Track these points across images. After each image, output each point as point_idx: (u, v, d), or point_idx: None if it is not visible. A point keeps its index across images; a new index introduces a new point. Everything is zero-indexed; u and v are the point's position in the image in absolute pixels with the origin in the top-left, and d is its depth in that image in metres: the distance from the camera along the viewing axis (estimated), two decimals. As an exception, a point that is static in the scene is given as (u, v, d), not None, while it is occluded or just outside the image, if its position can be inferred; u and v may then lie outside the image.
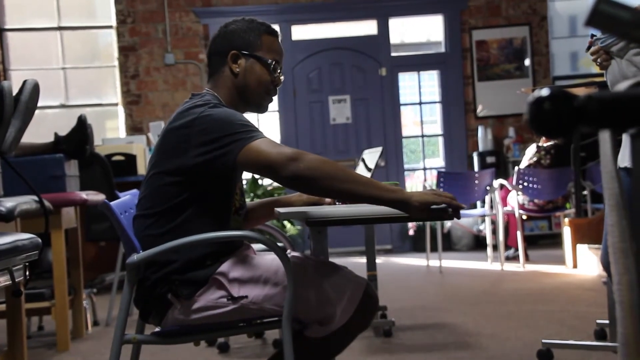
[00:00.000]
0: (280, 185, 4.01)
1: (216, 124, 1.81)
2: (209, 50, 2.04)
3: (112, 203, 1.93)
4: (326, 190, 1.77)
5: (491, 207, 5.97)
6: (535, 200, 5.94)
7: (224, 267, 1.88)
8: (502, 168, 7.31)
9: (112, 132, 7.62)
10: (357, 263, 5.78)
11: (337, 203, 2.22)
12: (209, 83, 2.04)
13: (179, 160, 1.85)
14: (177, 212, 1.87)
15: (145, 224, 1.91)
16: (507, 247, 6.21)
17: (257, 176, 7.30)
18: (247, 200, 6.94)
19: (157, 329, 1.95)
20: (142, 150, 5.79)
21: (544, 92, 0.82)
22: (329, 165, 1.75)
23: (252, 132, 1.80)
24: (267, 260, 1.93)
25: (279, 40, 2.05)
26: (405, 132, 7.96)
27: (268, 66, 1.99)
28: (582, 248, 5.47)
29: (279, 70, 2.02)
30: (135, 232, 1.94)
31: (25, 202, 2.44)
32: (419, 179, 8.07)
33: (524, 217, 6.22)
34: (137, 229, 1.94)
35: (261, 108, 2.05)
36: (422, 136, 8.06)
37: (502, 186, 6.02)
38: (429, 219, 1.78)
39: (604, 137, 0.89)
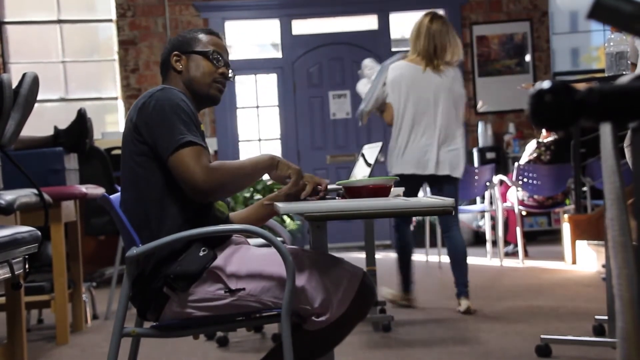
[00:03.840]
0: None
1: (157, 112, 1.86)
2: (160, 64, 2.13)
3: (111, 197, 1.94)
4: (232, 193, 2.05)
5: (491, 203, 5.97)
6: (535, 196, 5.94)
7: (219, 260, 1.89)
8: (502, 164, 7.31)
9: (111, 126, 7.61)
10: (356, 258, 5.78)
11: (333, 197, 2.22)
12: None
13: (137, 146, 1.90)
14: (154, 196, 1.89)
15: (128, 217, 1.92)
16: (506, 243, 6.21)
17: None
18: (246, 194, 6.87)
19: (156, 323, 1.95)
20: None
21: (545, 84, 0.81)
22: (228, 174, 1.86)
23: (187, 135, 1.83)
24: (264, 252, 1.94)
25: (221, 39, 2.12)
26: (405, 127, 7.94)
27: (208, 56, 2.05)
28: (581, 244, 5.47)
29: (222, 62, 2.07)
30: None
31: (24, 195, 2.44)
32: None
33: (524, 213, 6.22)
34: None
35: (213, 99, 2.08)
36: (422, 131, 8.05)
37: (501, 182, 6.02)
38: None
39: (605, 130, 0.89)
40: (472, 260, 6.20)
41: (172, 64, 2.06)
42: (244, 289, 1.86)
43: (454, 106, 3.91)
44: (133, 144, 1.90)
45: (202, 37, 2.08)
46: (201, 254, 1.87)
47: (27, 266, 2.31)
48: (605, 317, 3.01)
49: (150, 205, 1.89)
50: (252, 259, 1.91)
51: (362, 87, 4.05)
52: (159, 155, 1.87)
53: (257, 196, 6.29)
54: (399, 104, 3.85)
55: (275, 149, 7.77)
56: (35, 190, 2.46)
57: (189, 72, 2.05)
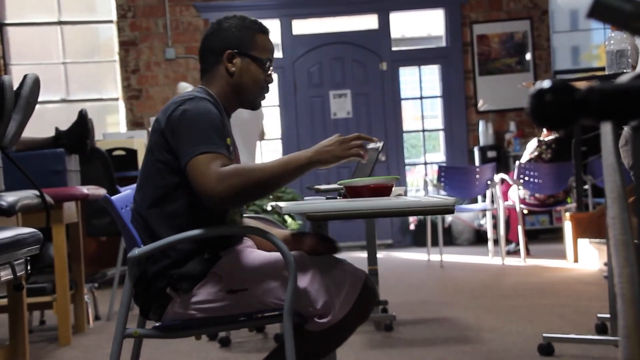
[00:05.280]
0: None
1: (183, 121, 1.84)
2: (202, 47, 2.06)
3: (112, 197, 1.94)
4: (256, 197, 1.86)
5: (492, 201, 5.96)
6: (536, 195, 5.94)
7: (223, 261, 1.89)
8: (503, 162, 7.31)
9: (112, 126, 7.62)
10: (358, 258, 5.79)
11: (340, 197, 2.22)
12: (202, 80, 2.06)
13: (161, 152, 1.89)
14: (170, 200, 1.89)
15: (140, 214, 1.92)
16: (508, 242, 6.21)
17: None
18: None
19: (158, 323, 1.95)
20: (142, 145, 5.79)
21: (546, 84, 0.81)
22: (246, 176, 1.76)
23: (206, 144, 1.80)
24: (266, 253, 1.94)
25: (270, 38, 2.08)
26: (406, 126, 7.96)
27: (263, 65, 2.02)
28: (583, 242, 5.47)
29: (271, 68, 2.06)
30: (132, 224, 1.95)
31: (26, 196, 2.44)
32: (420, 174, 8.07)
33: (525, 211, 6.21)
34: (133, 220, 1.95)
35: (255, 105, 2.08)
36: (423, 131, 8.05)
37: (503, 180, 6.02)
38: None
39: (606, 129, 0.89)
40: (474, 259, 6.21)
41: (224, 62, 2.00)
42: (246, 290, 1.86)
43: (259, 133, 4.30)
44: (158, 150, 1.89)
45: (259, 38, 2.02)
46: (205, 256, 1.88)
47: (29, 268, 2.32)
48: (608, 316, 3.01)
49: (160, 215, 1.89)
50: (254, 260, 1.91)
51: None
52: (179, 165, 1.85)
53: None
54: None
55: (275, 149, 7.78)
56: (36, 192, 2.46)
57: (241, 77, 2.00)
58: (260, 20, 2.07)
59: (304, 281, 1.84)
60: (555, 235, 7.14)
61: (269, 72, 2.04)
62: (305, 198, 2.43)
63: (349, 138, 1.86)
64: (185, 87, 4.57)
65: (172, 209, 1.88)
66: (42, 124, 5.16)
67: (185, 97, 1.91)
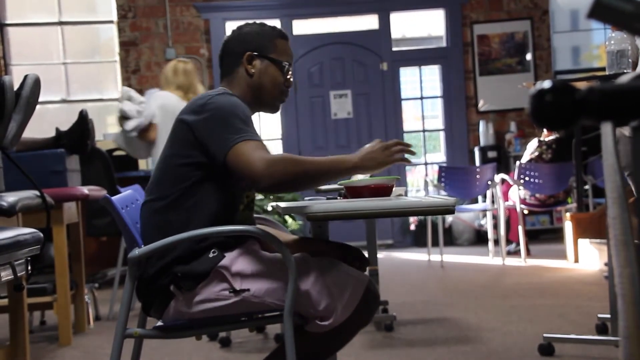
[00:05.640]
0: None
1: (216, 113, 1.86)
2: (222, 51, 2.10)
3: (113, 198, 1.94)
4: (301, 187, 1.90)
5: (492, 201, 5.96)
6: (537, 195, 5.94)
7: (226, 260, 1.89)
8: (503, 163, 7.31)
9: (113, 127, 7.62)
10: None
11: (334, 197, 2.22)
12: (222, 82, 2.09)
13: (185, 147, 1.90)
14: (187, 196, 1.90)
15: (153, 207, 1.93)
16: (508, 242, 6.21)
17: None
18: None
19: (158, 323, 1.95)
20: (143, 145, 5.79)
21: (546, 84, 0.81)
22: (294, 164, 1.80)
23: (246, 133, 1.83)
24: (269, 255, 1.94)
25: (289, 43, 2.12)
26: (406, 126, 7.95)
27: (282, 68, 2.05)
28: (583, 242, 5.47)
29: (290, 73, 2.09)
30: (142, 218, 1.95)
31: (26, 197, 2.44)
32: (420, 174, 8.07)
33: (526, 211, 6.21)
34: (144, 212, 1.96)
35: (274, 108, 2.11)
36: (424, 131, 8.05)
37: (503, 181, 6.02)
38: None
39: (606, 130, 0.89)
40: (474, 259, 6.21)
41: (244, 64, 2.04)
42: (248, 289, 1.86)
43: None
44: (182, 146, 1.90)
45: (279, 43, 2.07)
46: (211, 255, 1.88)
47: (29, 268, 2.32)
48: (608, 316, 3.01)
49: (176, 211, 1.90)
50: (257, 261, 1.91)
51: (128, 107, 4.52)
52: (210, 158, 1.86)
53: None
54: (166, 125, 4.21)
55: (276, 149, 7.77)
56: (37, 192, 2.46)
57: (260, 78, 2.04)
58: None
59: (306, 283, 1.85)
60: (556, 235, 7.14)
61: (288, 76, 2.07)
62: (305, 198, 2.43)
63: (391, 144, 1.90)
64: (128, 91, 4.63)
65: (190, 203, 1.90)
66: (42, 124, 5.16)
67: (212, 93, 1.94)
